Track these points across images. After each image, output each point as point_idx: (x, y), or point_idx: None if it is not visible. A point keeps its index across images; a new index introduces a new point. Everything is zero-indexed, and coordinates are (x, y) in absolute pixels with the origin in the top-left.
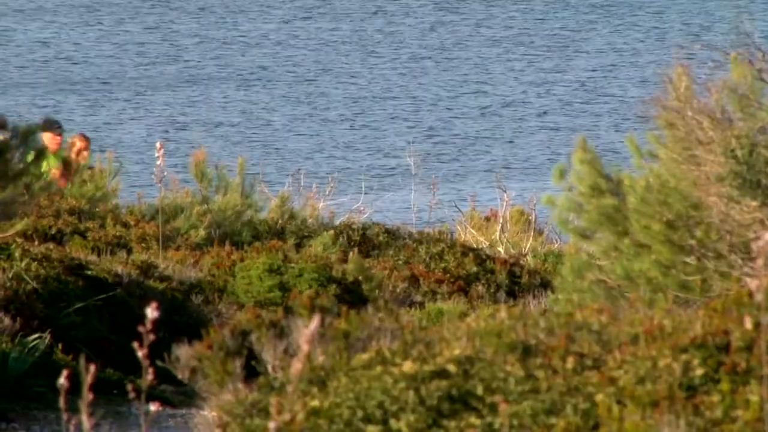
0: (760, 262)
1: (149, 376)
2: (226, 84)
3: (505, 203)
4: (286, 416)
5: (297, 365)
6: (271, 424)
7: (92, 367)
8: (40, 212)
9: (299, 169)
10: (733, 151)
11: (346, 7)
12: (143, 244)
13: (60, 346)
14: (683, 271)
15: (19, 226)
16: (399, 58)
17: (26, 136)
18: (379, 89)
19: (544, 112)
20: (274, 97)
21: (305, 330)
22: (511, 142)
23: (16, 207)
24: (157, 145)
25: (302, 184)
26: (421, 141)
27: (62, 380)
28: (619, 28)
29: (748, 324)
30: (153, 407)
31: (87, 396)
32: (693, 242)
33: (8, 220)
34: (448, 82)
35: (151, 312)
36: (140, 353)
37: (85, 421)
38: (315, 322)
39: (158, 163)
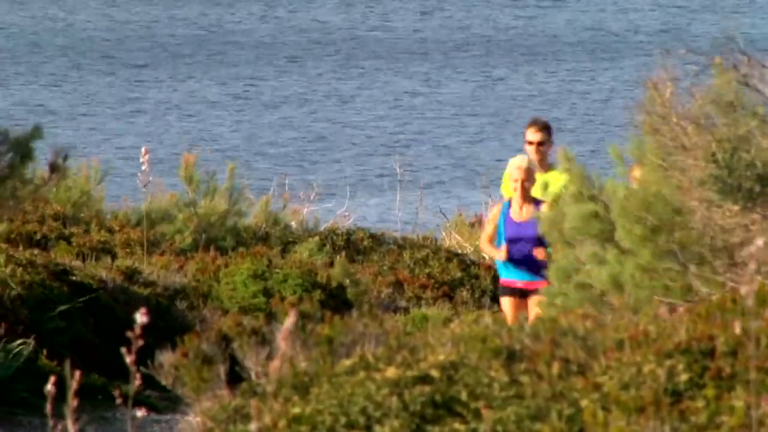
0: (751, 266)
1: (137, 381)
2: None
3: (490, 208)
4: (267, 419)
5: (275, 364)
6: (252, 426)
7: (77, 373)
8: (24, 217)
9: (284, 175)
10: (714, 155)
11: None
12: (128, 250)
13: (45, 351)
14: (666, 275)
15: (2, 229)
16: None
17: (15, 141)
18: (366, 92)
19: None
20: (261, 102)
21: (282, 327)
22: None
23: (1, 211)
24: (143, 150)
25: (287, 189)
26: (406, 145)
27: (49, 386)
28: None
29: (737, 329)
30: (139, 413)
31: (72, 401)
32: (675, 247)
33: None
34: (434, 83)
35: (140, 317)
36: (128, 359)
37: (71, 427)
38: (291, 318)
39: (144, 168)
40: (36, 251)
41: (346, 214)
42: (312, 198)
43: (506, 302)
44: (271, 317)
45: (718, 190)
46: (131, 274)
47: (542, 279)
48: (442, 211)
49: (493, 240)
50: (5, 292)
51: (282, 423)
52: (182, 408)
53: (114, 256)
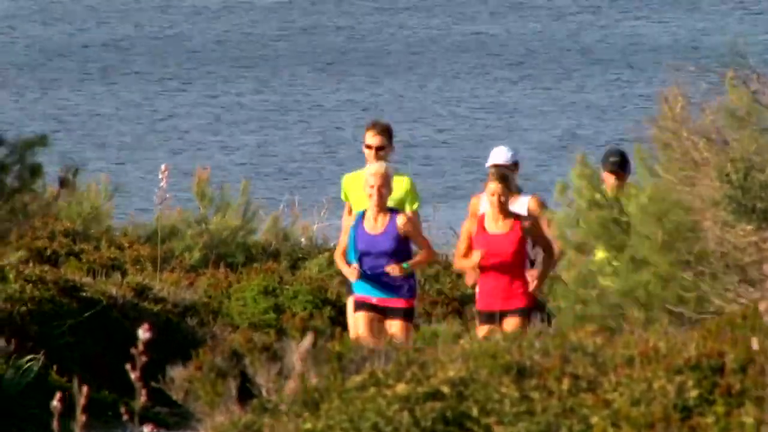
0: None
1: (142, 397)
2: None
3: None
4: None
5: (291, 385)
6: None
7: (85, 389)
8: (35, 233)
9: (292, 192)
10: (728, 175)
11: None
12: (138, 266)
13: (54, 367)
14: (680, 285)
15: (14, 258)
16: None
17: (22, 152)
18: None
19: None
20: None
21: (299, 348)
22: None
23: (12, 227)
24: (162, 167)
25: (297, 205)
26: (412, 159)
27: (55, 402)
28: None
29: (755, 345)
30: (147, 429)
31: (80, 418)
32: (690, 257)
33: (2, 240)
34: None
35: (143, 333)
36: (133, 375)
37: None
38: (308, 339)
39: (161, 185)
40: (46, 267)
41: None
42: (322, 214)
43: (360, 317)
44: (282, 333)
45: (732, 210)
46: (141, 291)
47: (399, 296)
48: (452, 228)
49: (345, 252)
50: (15, 308)
51: None
52: (192, 424)
53: (124, 273)
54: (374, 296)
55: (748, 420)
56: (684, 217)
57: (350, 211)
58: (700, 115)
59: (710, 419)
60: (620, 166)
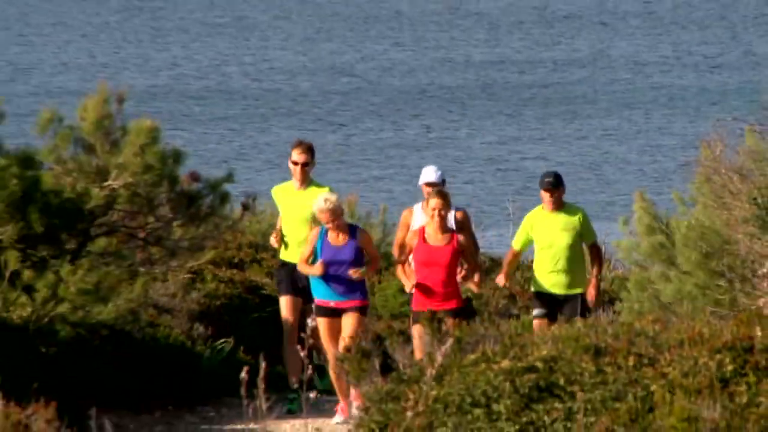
0: None
1: (309, 371)
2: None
3: None
4: (413, 400)
5: (422, 361)
6: (409, 413)
7: (264, 364)
8: (226, 245)
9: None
10: (755, 199)
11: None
12: None
13: (241, 348)
14: (717, 291)
15: (209, 255)
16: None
17: (215, 187)
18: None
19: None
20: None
21: (445, 341)
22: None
23: (206, 241)
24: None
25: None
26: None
27: (243, 374)
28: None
29: None
30: (312, 395)
31: (261, 385)
32: (724, 269)
33: (200, 251)
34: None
35: (310, 322)
36: (302, 353)
37: (262, 403)
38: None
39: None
40: (234, 271)
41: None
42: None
43: (321, 322)
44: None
45: (760, 226)
46: None
47: (353, 298)
48: None
49: (308, 261)
50: (212, 302)
51: (423, 402)
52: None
53: None
54: (332, 300)
55: None
56: (716, 238)
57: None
58: (734, 156)
59: (743, 388)
60: (553, 185)
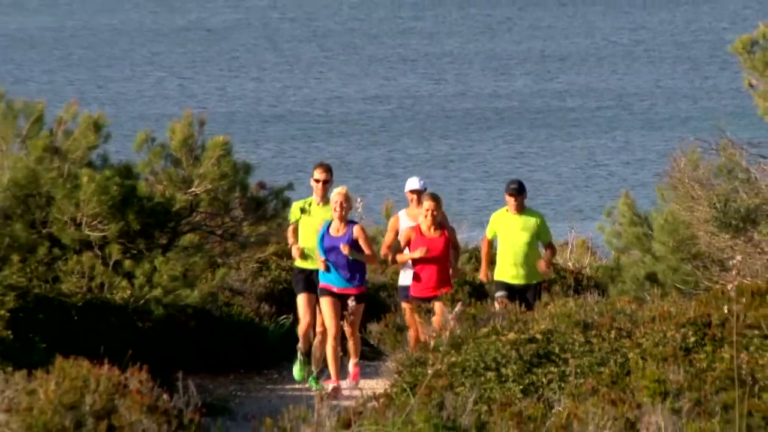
0: (734, 272)
1: (351, 343)
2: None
3: (572, 235)
4: (437, 364)
5: (445, 334)
6: (429, 371)
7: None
8: (286, 240)
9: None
10: (714, 204)
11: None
12: None
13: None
14: (684, 272)
15: (272, 248)
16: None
17: (278, 194)
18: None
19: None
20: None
21: (453, 312)
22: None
23: (270, 237)
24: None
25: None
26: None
27: (299, 345)
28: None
29: (725, 310)
30: (354, 360)
31: (315, 354)
32: (690, 256)
33: (266, 245)
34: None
35: (351, 302)
36: (346, 328)
37: (314, 366)
38: (458, 306)
39: (359, 210)
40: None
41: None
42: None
43: (324, 301)
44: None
45: (717, 226)
46: None
47: (354, 286)
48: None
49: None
50: (275, 286)
51: (444, 367)
52: (383, 357)
53: None
54: (335, 286)
55: (726, 356)
56: (685, 231)
57: (294, 231)
58: (697, 169)
59: (702, 356)
60: (517, 191)
